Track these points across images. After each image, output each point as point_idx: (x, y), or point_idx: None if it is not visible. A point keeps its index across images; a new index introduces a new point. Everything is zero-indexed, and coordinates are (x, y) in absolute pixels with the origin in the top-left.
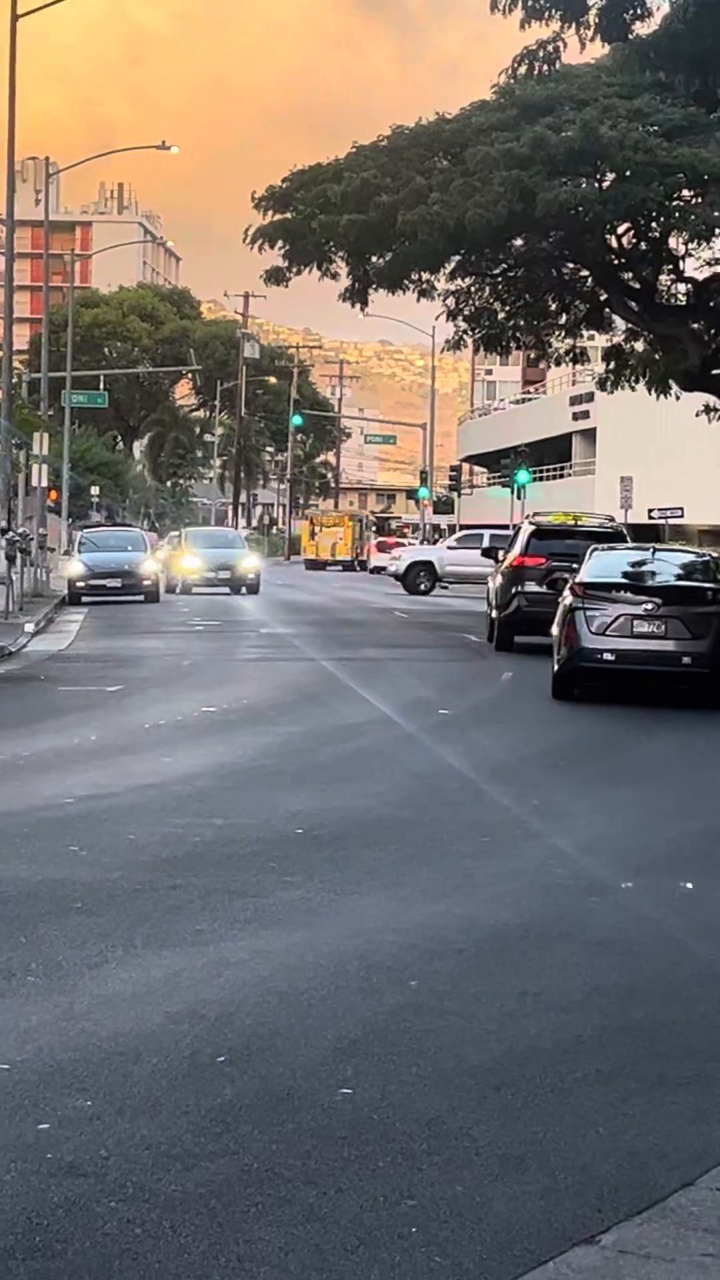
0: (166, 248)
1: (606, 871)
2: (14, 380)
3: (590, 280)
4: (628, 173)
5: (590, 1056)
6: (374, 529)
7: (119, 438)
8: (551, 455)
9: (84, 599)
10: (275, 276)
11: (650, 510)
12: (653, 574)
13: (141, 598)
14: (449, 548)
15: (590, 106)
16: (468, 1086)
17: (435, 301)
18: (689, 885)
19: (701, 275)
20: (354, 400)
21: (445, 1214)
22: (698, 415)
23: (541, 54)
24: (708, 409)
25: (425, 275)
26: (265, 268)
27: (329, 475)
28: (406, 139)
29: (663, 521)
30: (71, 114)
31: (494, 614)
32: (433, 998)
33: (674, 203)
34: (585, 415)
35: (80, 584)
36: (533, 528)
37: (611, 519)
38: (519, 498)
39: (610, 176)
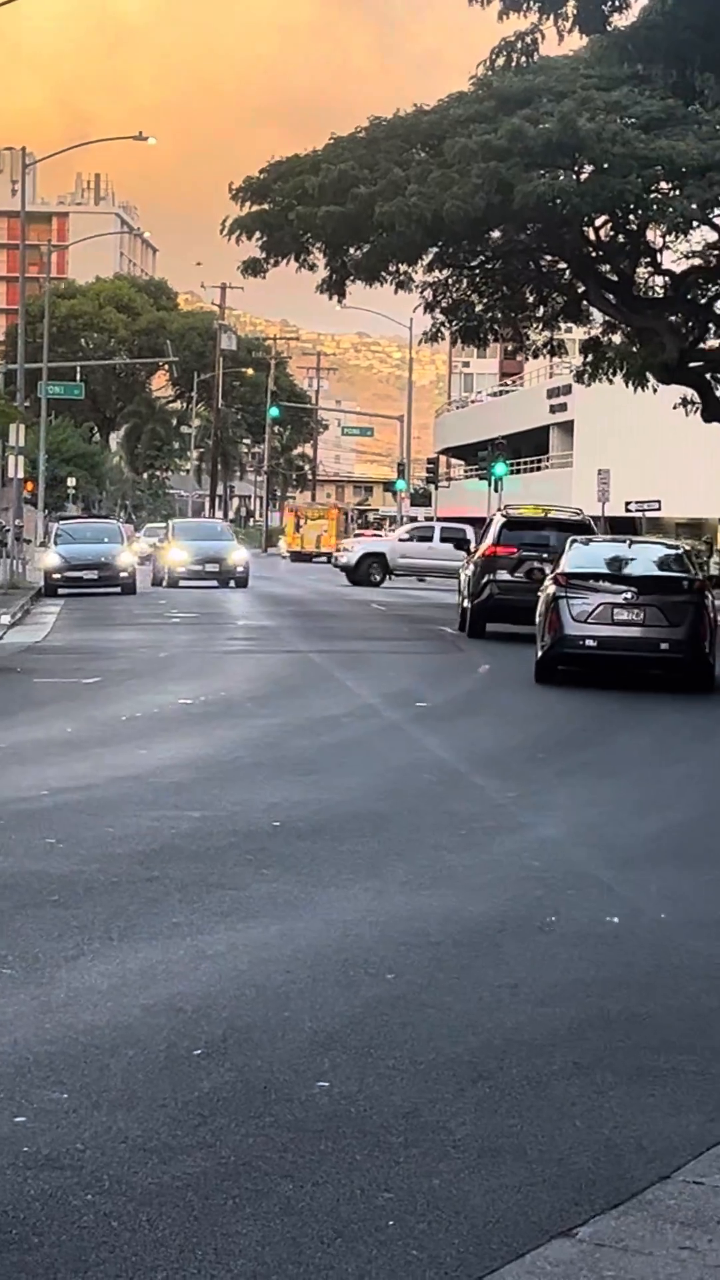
0: (143, 239)
1: (585, 864)
2: None
3: (568, 272)
4: (605, 165)
5: (568, 1049)
6: (359, 521)
7: (95, 429)
8: (529, 448)
9: (60, 591)
10: (253, 268)
11: (628, 503)
12: (631, 565)
13: (118, 589)
14: (400, 539)
15: (568, 98)
16: (445, 1079)
17: (413, 293)
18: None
19: (679, 268)
20: (331, 392)
21: (422, 1207)
22: (675, 408)
23: (519, 46)
24: (685, 402)
25: (403, 267)
26: (243, 259)
27: (306, 467)
28: (384, 130)
29: (640, 514)
30: (48, 104)
31: (466, 602)
32: (410, 990)
33: (652, 195)
34: (563, 408)
35: (57, 575)
36: (504, 519)
37: (579, 511)
38: (496, 490)
39: (588, 169)
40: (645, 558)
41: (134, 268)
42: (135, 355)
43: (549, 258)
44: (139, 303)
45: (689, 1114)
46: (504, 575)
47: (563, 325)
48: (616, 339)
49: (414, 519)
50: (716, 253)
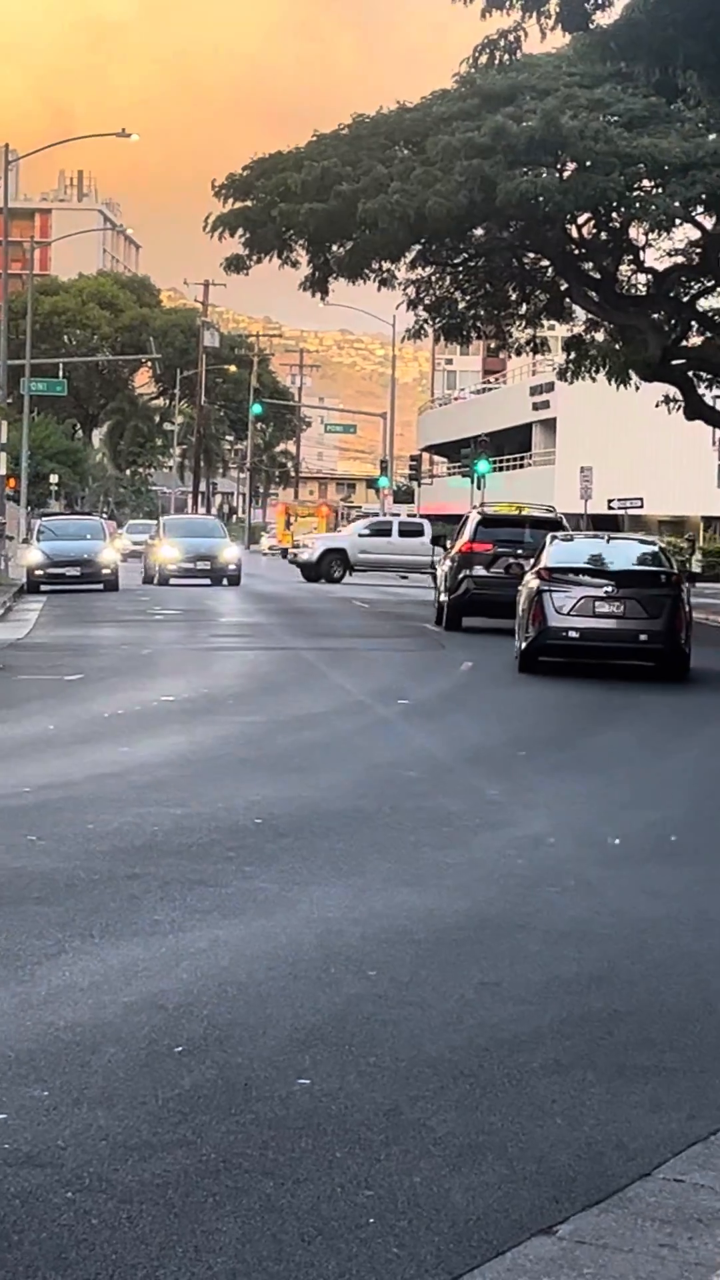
0: (126, 235)
1: (567, 861)
2: None
3: (551, 270)
4: (588, 162)
5: (549, 1047)
6: (348, 519)
7: (78, 426)
8: (512, 445)
9: (43, 587)
10: (235, 264)
11: (610, 501)
12: (611, 560)
13: (101, 586)
14: (360, 535)
15: (551, 96)
16: (426, 1077)
17: (396, 291)
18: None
19: (661, 266)
20: (314, 389)
21: (403, 1205)
22: (657, 406)
23: (503, 43)
24: (667, 399)
25: (386, 264)
26: (226, 256)
27: (289, 464)
28: (367, 128)
29: (622, 512)
30: (31, 100)
31: (443, 597)
32: (391, 988)
33: (634, 193)
34: (545, 405)
35: (39, 572)
36: (479, 516)
37: (552, 508)
38: (479, 487)
39: (571, 166)
40: (624, 553)
41: (117, 264)
42: (118, 352)
43: (532, 255)
44: (122, 299)
45: (669, 1112)
46: (480, 571)
47: (545, 323)
48: (599, 337)
49: (396, 515)
50: (699, 250)
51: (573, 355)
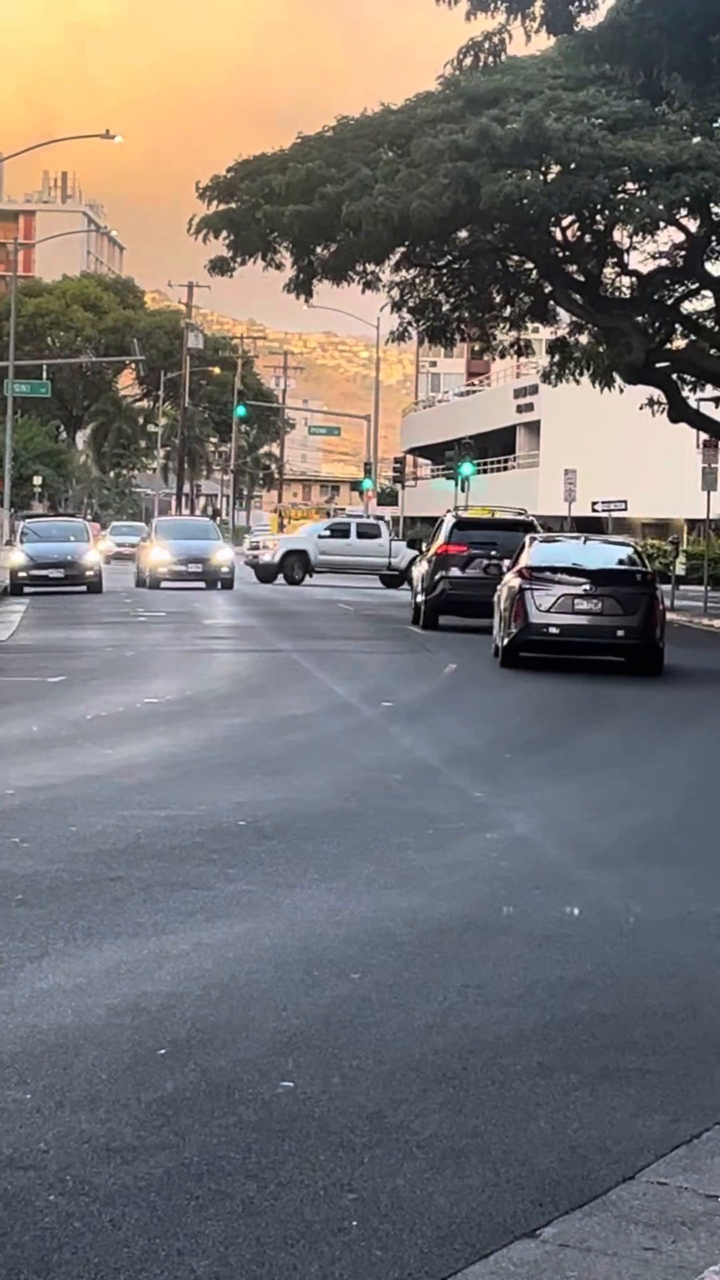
0: (110, 237)
1: (552, 863)
2: None
3: (535, 273)
4: (572, 165)
5: (532, 1049)
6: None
7: (62, 427)
8: (496, 447)
9: (26, 589)
10: (220, 266)
11: (594, 503)
12: (588, 560)
13: (84, 588)
14: (320, 536)
15: (535, 98)
16: (409, 1079)
17: (380, 293)
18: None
19: (646, 268)
20: (298, 391)
21: (386, 1207)
22: (641, 408)
23: (487, 45)
24: (652, 402)
25: (370, 266)
26: (210, 258)
27: (273, 466)
28: (352, 130)
29: (606, 514)
30: (15, 102)
31: (420, 597)
32: (375, 990)
33: (618, 195)
34: (529, 408)
35: (22, 574)
36: (455, 519)
37: (524, 511)
38: (463, 490)
39: (555, 169)
40: (601, 554)
41: (101, 266)
42: (102, 354)
43: (516, 258)
44: (106, 301)
45: (653, 1115)
46: (455, 572)
47: (529, 325)
48: (583, 339)
49: (381, 518)
50: (683, 253)
51: (557, 358)
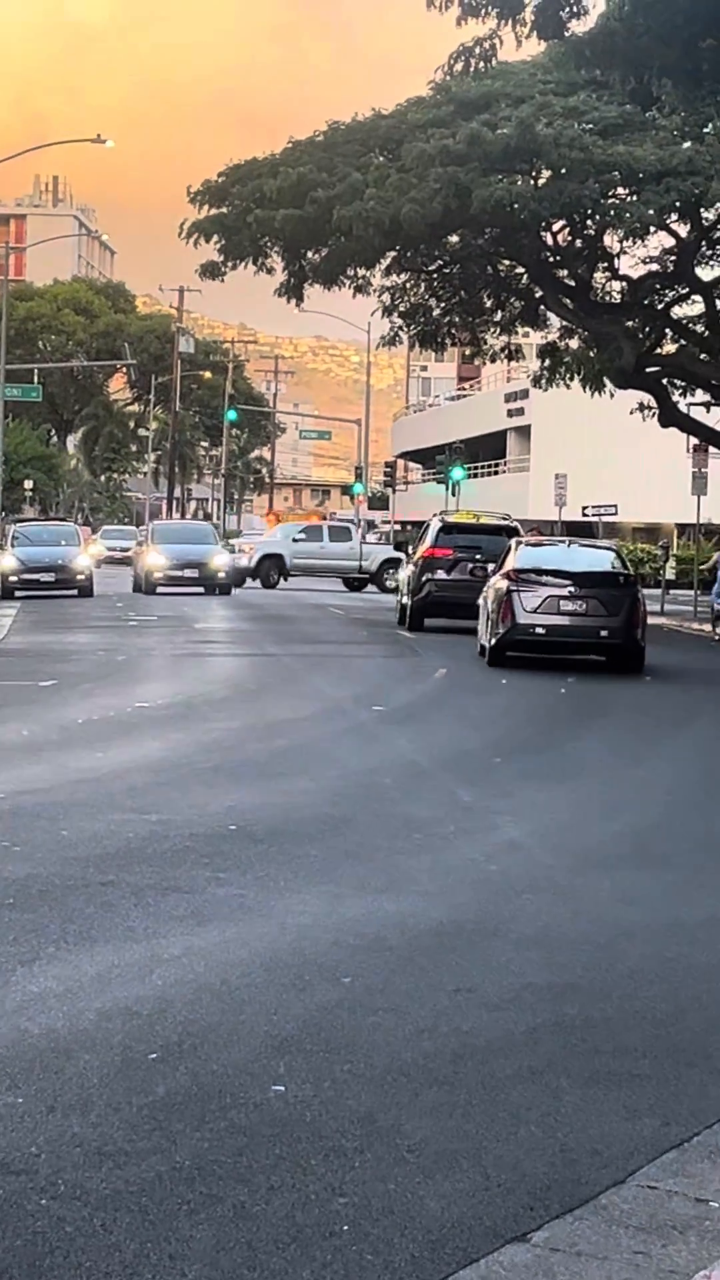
0: (101, 241)
1: (542, 867)
2: None
3: (525, 277)
4: (563, 170)
5: (522, 1053)
6: (369, 527)
7: (53, 431)
8: (486, 452)
9: (17, 593)
10: (211, 271)
11: (585, 507)
12: (573, 563)
13: (75, 592)
14: (294, 539)
15: (526, 104)
16: (400, 1084)
17: (371, 297)
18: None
19: (636, 273)
20: (289, 396)
21: (377, 1212)
22: (632, 413)
23: (478, 51)
24: (642, 407)
25: (361, 271)
26: (201, 262)
27: (264, 470)
28: (343, 135)
29: (597, 519)
30: (6, 106)
31: (405, 599)
32: (365, 994)
33: (609, 200)
34: (520, 412)
35: (13, 578)
36: (440, 524)
37: (508, 516)
38: (454, 494)
39: (546, 174)
40: (585, 557)
41: (92, 270)
42: (93, 358)
43: (506, 262)
44: (97, 305)
45: (644, 1119)
46: (441, 575)
47: (520, 330)
48: (574, 344)
49: (370, 523)
50: (673, 258)
51: (547, 362)
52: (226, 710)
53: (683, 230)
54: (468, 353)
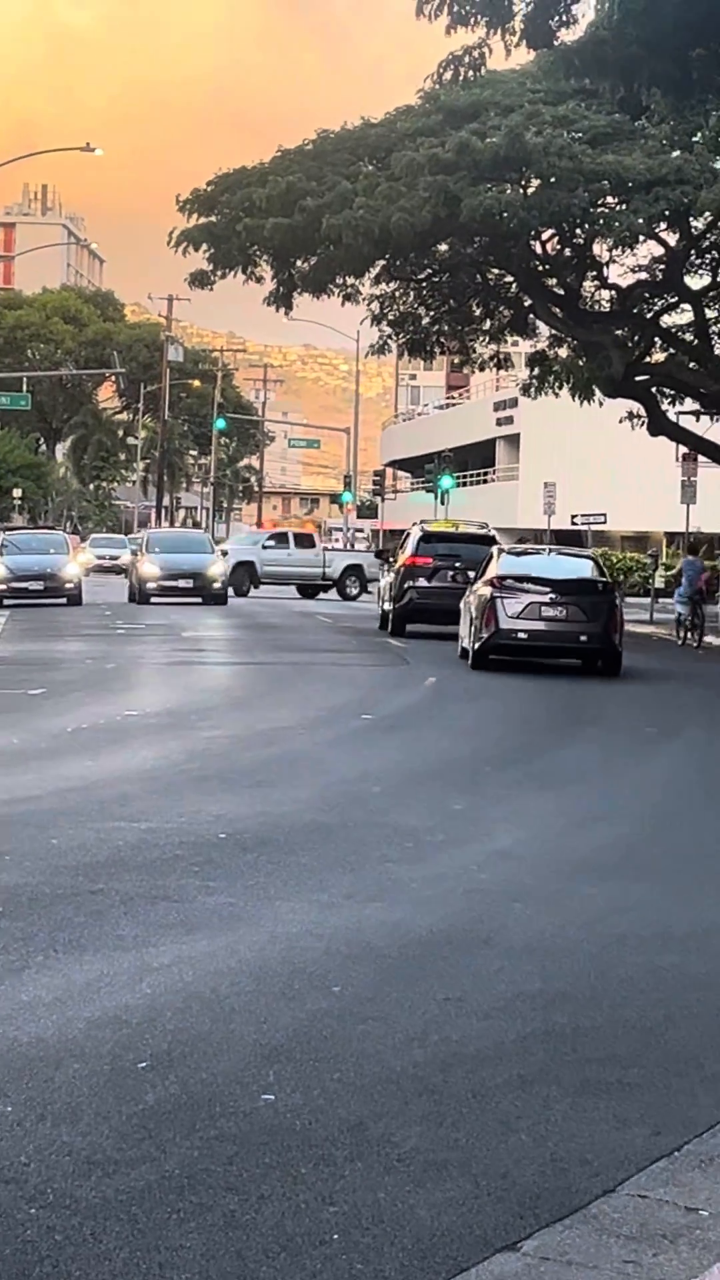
0: (91, 250)
1: (529, 877)
2: None
3: (514, 286)
4: (552, 179)
5: (513, 1062)
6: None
7: (42, 440)
8: (475, 460)
9: (5, 602)
10: (200, 280)
11: (574, 516)
12: (554, 570)
13: (64, 600)
14: (264, 547)
15: (516, 112)
16: (390, 1092)
17: (360, 306)
18: (594, 890)
19: (625, 282)
20: (278, 404)
21: (367, 1220)
22: (621, 422)
23: (467, 59)
24: (631, 415)
25: (350, 279)
26: (190, 271)
27: (252, 479)
28: (332, 143)
29: (586, 528)
30: None
31: (387, 606)
32: (355, 1003)
33: (598, 209)
34: (509, 421)
35: (2, 587)
36: (421, 532)
37: (485, 525)
38: (442, 503)
39: (535, 182)
40: (565, 565)
41: (81, 279)
42: (82, 366)
43: (496, 271)
44: (86, 314)
45: (633, 1128)
46: (422, 582)
47: (509, 338)
48: (563, 352)
49: (359, 531)
50: (662, 267)
51: (536, 371)
52: (216, 718)
53: (672, 239)
54: (456, 361)
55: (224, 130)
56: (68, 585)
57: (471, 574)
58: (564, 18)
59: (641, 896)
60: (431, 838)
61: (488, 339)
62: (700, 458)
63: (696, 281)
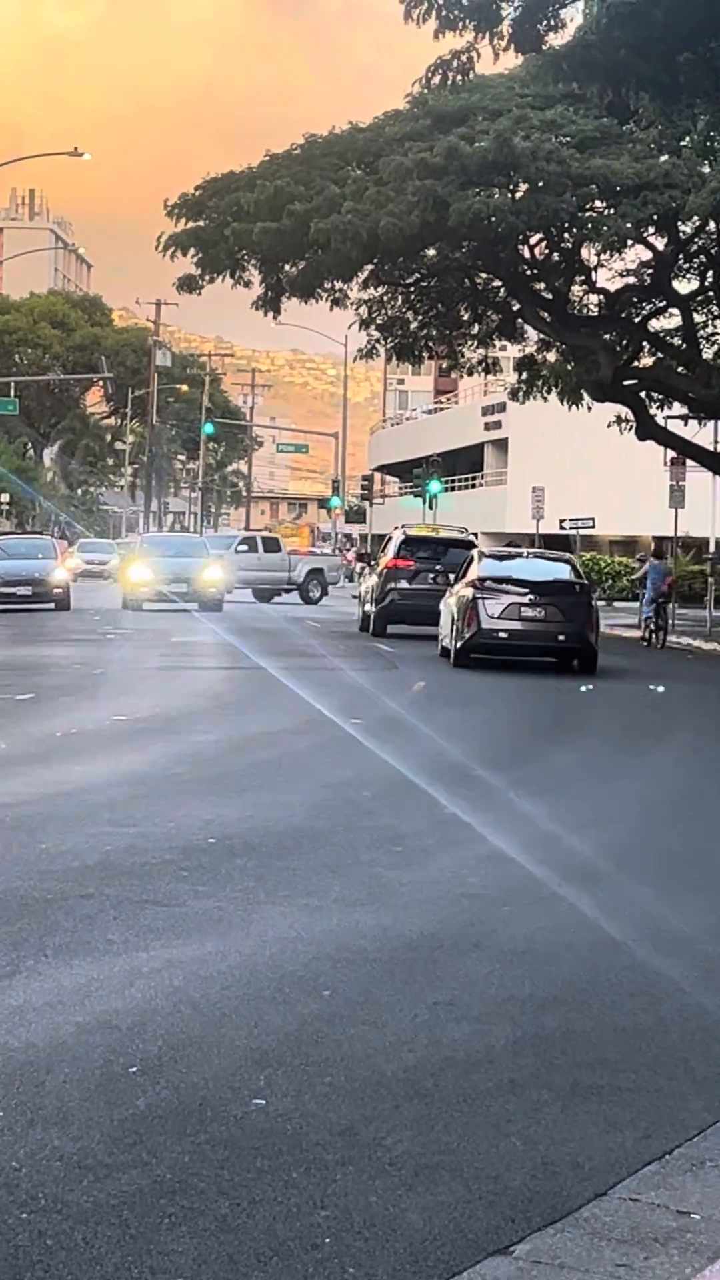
0: (78, 254)
1: (522, 880)
2: None
3: (503, 290)
4: (540, 183)
5: (503, 1066)
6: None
7: (29, 445)
8: (464, 465)
9: None
10: (188, 284)
11: (562, 521)
12: (533, 573)
13: (52, 605)
14: (236, 551)
15: (504, 117)
16: (381, 1096)
17: (348, 310)
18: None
19: (613, 286)
20: (266, 409)
21: (359, 1225)
22: (609, 426)
23: (455, 64)
24: (619, 420)
25: (338, 284)
26: (178, 275)
27: (241, 484)
28: (320, 148)
29: (574, 532)
30: None
31: (369, 607)
32: (346, 1007)
33: (586, 214)
34: (497, 425)
35: None
36: (403, 536)
37: (464, 529)
38: (431, 507)
39: (523, 187)
40: (543, 567)
41: (69, 283)
42: (70, 371)
43: (484, 275)
44: (73, 318)
45: (624, 1131)
46: (404, 584)
47: (497, 343)
48: (551, 357)
49: (348, 536)
50: (650, 271)
51: (524, 375)
52: (205, 723)
53: (660, 243)
54: (445, 366)
55: (212, 135)
56: (56, 590)
57: (451, 577)
58: (552, 22)
59: (633, 900)
60: (421, 842)
61: (476, 343)
62: (689, 462)
63: (684, 286)
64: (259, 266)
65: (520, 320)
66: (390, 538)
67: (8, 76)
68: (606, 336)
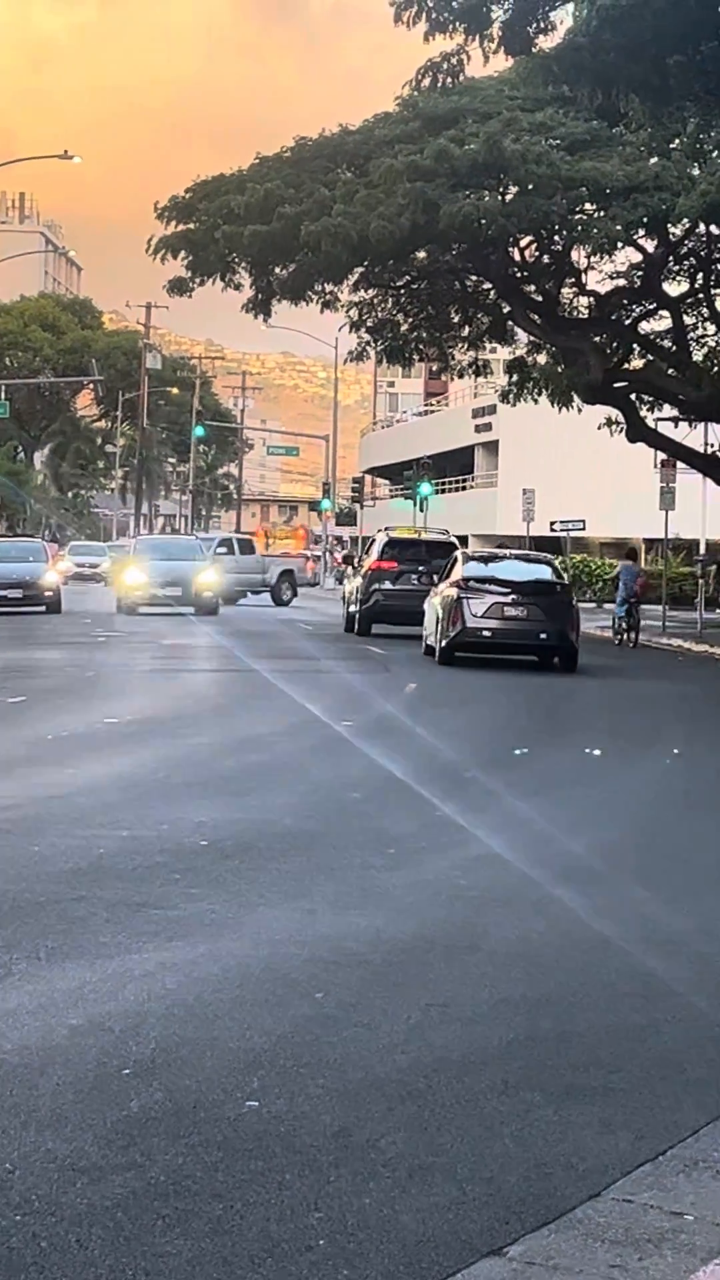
0: (68, 257)
1: (515, 882)
2: None
3: (493, 293)
4: (530, 186)
5: (497, 1068)
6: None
7: (20, 448)
8: (454, 467)
9: None
10: (178, 287)
11: (553, 523)
12: (516, 573)
13: (43, 608)
14: (215, 553)
15: (494, 119)
16: (374, 1098)
17: (338, 313)
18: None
19: (603, 288)
20: (256, 412)
21: (353, 1226)
22: (600, 428)
23: (445, 66)
24: (610, 422)
25: (328, 286)
26: (168, 278)
27: (231, 486)
28: (310, 150)
29: (564, 534)
30: None
31: (353, 608)
32: (339, 1009)
33: (576, 216)
34: (488, 428)
35: None
36: (387, 538)
37: (446, 531)
38: (421, 510)
39: (513, 189)
40: (525, 568)
41: (59, 286)
42: (60, 374)
43: (474, 278)
44: (64, 321)
45: (618, 1132)
46: (387, 585)
47: (488, 345)
48: (541, 359)
49: (339, 538)
50: (640, 273)
51: (515, 377)
52: (197, 725)
53: (650, 246)
54: (435, 368)
55: (202, 137)
56: (46, 593)
57: (435, 577)
58: (542, 25)
59: (627, 901)
60: (415, 843)
61: (466, 345)
62: (679, 464)
63: (675, 288)
64: (249, 269)
65: (510, 322)
66: (374, 540)
67: None
68: (597, 339)
